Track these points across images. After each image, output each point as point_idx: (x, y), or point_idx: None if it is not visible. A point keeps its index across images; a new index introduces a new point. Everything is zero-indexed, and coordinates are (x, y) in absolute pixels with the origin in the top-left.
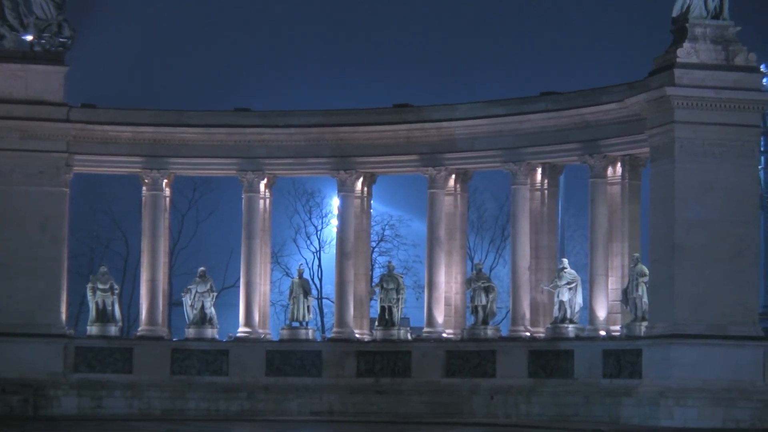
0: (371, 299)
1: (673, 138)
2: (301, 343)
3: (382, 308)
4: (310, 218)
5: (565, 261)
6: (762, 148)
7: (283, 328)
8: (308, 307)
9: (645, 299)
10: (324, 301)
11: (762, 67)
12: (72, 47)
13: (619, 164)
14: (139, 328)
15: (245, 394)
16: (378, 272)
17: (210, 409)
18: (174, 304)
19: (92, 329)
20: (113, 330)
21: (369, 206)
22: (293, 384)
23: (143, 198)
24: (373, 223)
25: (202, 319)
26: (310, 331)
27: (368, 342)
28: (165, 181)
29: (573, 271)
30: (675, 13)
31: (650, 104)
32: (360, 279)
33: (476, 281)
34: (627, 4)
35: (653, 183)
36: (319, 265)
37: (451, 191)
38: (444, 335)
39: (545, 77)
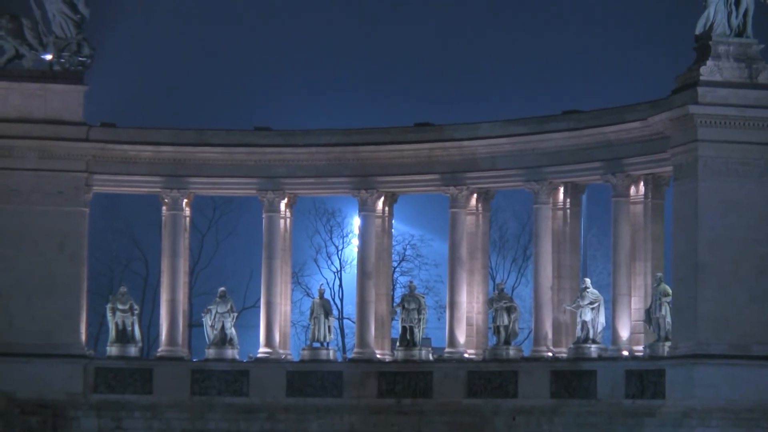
0: (392, 319)
1: (697, 156)
2: (321, 363)
3: (404, 328)
4: (330, 238)
5: (588, 281)
6: None
7: (303, 349)
8: (329, 327)
9: (668, 319)
10: (345, 321)
11: None
12: (91, 66)
13: (641, 183)
14: (159, 349)
15: (265, 415)
16: (399, 292)
17: (230, 429)
18: (194, 324)
19: (112, 350)
20: (133, 350)
21: (390, 226)
22: (314, 404)
23: (163, 218)
24: (394, 243)
25: (223, 340)
26: (331, 352)
27: (389, 362)
28: (185, 200)
29: (595, 291)
30: (698, 30)
31: (673, 123)
32: (381, 299)
33: (498, 301)
34: (649, 22)
35: (676, 202)
36: (340, 285)
37: (473, 210)
38: (465, 355)
39: (567, 96)
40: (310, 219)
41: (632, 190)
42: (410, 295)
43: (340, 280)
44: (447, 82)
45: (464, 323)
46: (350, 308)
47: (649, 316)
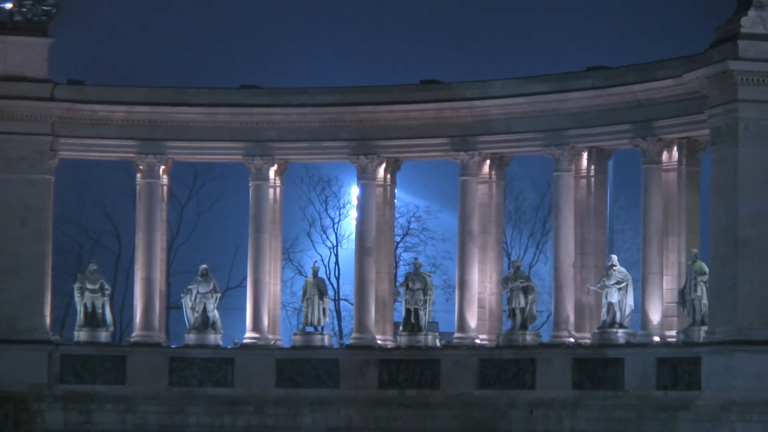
0: (395, 301)
1: (737, 118)
2: (315, 350)
3: (408, 311)
4: (326, 209)
5: (614, 258)
6: None
7: (295, 334)
8: (324, 309)
9: (704, 301)
10: (342, 303)
11: None
12: (57, 17)
13: (675, 148)
14: (133, 334)
15: (252, 408)
16: (403, 270)
17: (213, 424)
18: (172, 306)
19: (80, 335)
20: (104, 336)
21: (393, 196)
22: (307, 396)
23: (138, 187)
24: (397, 215)
25: (204, 324)
26: (326, 337)
27: (392, 349)
28: (162, 167)
29: (623, 270)
30: None
31: (711, 80)
32: (382, 278)
33: (514, 281)
34: None
35: (714, 169)
36: (337, 263)
37: (486, 179)
38: (477, 342)
39: (592, 50)
40: (303, 188)
41: (664, 155)
42: (415, 274)
43: (337, 256)
44: (457, 36)
45: (475, 305)
46: (348, 288)
47: (684, 298)
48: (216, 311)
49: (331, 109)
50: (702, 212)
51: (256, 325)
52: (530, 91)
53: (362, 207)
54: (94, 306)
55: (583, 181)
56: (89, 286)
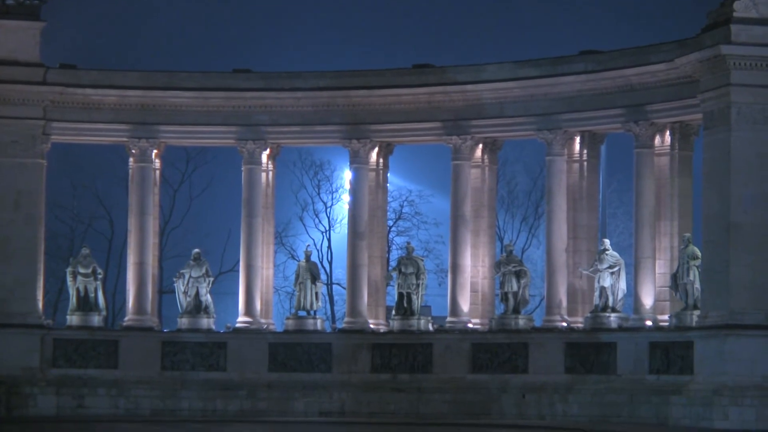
0: (388, 285)
1: (730, 103)
2: (308, 334)
3: (400, 295)
4: (318, 193)
5: (607, 242)
6: None
7: (288, 318)
8: (316, 294)
9: (697, 285)
10: (334, 287)
11: None
12: (49, 0)
13: (668, 132)
14: (126, 318)
15: (245, 393)
16: (395, 255)
17: (206, 409)
18: (165, 291)
19: (73, 319)
20: (96, 320)
21: (385, 180)
22: (299, 381)
23: (130, 171)
24: (389, 199)
25: (197, 308)
26: (319, 321)
27: (384, 333)
28: (155, 151)
29: (616, 254)
30: None
31: (703, 65)
32: (375, 262)
33: (506, 265)
34: None
35: (707, 154)
36: (329, 247)
37: (478, 163)
38: (470, 326)
39: (584, 34)
40: (296, 172)
41: (657, 140)
42: (407, 258)
43: (329, 241)
44: (450, 19)
45: (468, 289)
46: (340, 273)
47: (676, 282)
48: (208, 295)
49: (323, 93)
50: (694, 197)
51: (249, 310)
52: (523, 75)
53: (355, 191)
54: (86, 290)
55: (576, 166)
56: (82, 271)
